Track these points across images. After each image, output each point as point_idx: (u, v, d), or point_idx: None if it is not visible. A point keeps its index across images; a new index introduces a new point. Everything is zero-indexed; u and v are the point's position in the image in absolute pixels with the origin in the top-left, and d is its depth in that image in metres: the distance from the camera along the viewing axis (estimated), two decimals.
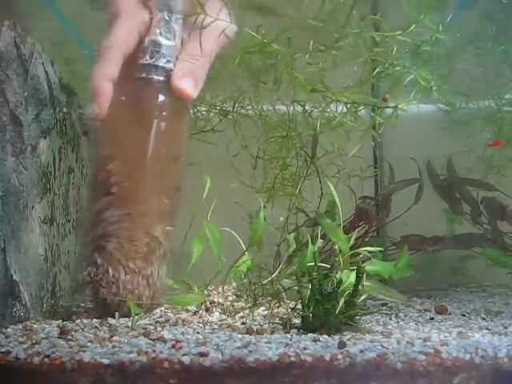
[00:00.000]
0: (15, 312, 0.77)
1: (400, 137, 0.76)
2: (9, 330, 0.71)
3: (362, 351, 0.56)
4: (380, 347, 0.59)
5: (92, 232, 0.82)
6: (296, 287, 0.76)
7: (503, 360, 0.56)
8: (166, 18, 0.84)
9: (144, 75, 0.84)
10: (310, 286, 0.73)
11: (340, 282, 0.72)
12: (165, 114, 0.84)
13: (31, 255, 0.82)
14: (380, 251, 0.98)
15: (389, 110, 0.80)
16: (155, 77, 0.84)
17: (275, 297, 0.86)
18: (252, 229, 0.89)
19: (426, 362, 0.55)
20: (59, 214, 0.94)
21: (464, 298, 1.13)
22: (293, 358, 0.55)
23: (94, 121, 0.83)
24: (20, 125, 0.80)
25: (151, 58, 0.84)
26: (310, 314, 0.72)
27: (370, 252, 0.87)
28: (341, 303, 0.71)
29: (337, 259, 0.78)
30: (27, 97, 0.83)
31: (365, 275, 0.73)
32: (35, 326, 0.74)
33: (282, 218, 1.13)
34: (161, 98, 0.84)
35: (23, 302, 0.79)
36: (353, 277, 0.74)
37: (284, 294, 0.85)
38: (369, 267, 0.85)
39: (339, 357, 0.55)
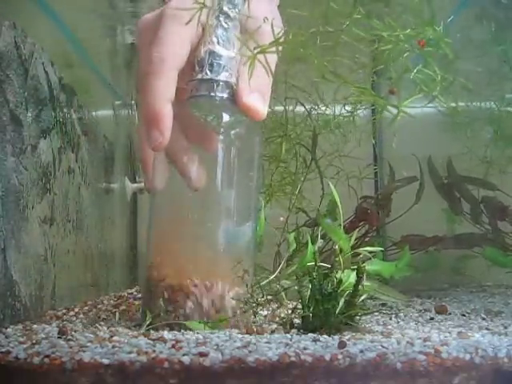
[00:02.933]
0: (15, 312, 0.77)
1: (401, 137, 0.75)
2: (9, 330, 0.71)
3: (362, 351, 0.56)
4: (380, 347, 0.58)
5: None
6: (296, 287, 0.76)
7: (503, 360, 0.56)
8: (224, 24, 0.73)
9: (204, 93, 0.72)
10: (310, 286, 0.73)
11: (340, 281, 0.72)
12: (233, 135, 0.74)
13: (31, 255, 0.82)
14: (380, 251, 0.99)
15: (391, 111, 0.79)
16: (218, 94, 0.72)
17: (276, 297, 0.86)
18: None
19: (426, 362, 0.55)
20: (59, 214, 0.94)
21: (464, 298, 1.13)
22: (293, 358, 0.55)
23: (155, 150, 0.71)
24: (20, 125, 0.80)
25: (211, 71, 0.72)
26: (310, 314, 0.72)
27: (370, 252, 0.87)
28: (341, 303, 0.71)
29: (337, 259, 0.78)
30: (27, 97, 0.83)
31: (365, 275, 0.73)
32: (35, 326, 0.74)
33: (282, 218, 1.13)
34: (226, 117, 0.74)
35: (23, 302, 0.79)
36: (353, 277, 0.74)
37: (284, 294, 0.85)
38: (369, 267, 0.85)
39: (339, 357, 0.55)
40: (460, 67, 0.73)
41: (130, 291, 1.17)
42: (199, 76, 0.72)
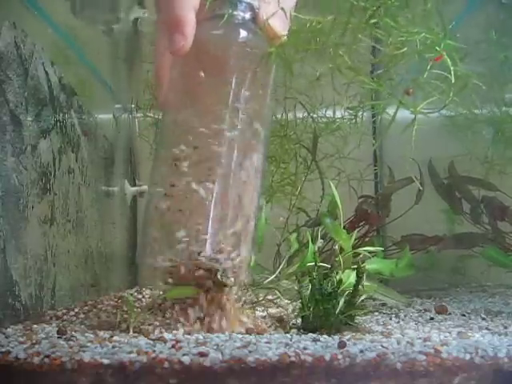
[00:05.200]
0: (15, 312, 0.77)
1: (401, 138, 0.76)
2: (9, 330, 0.71)
3: (362, 351, 0.56)
4: (380, 347, 0.58)
5: None
6: (296, 287, 0.76)
7: (503, 360, 0.56)
8: None
9: (227, 11, 0.75)
10: (310, 286, 0.73)
11: (340, 281, 0.72)
12: (250, 52, 0.74)
13: (31, 255, 0.82)
14: (381, 251, 0.99)
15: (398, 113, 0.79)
16: (240, 13, 0.75)
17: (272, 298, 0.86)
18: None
19: (425, 362, 0.55)
20: (59, 214, 0.94)
21: (464, 298, 1.13)
22: (293, 358, 0.55)
23: (176, 55, 0.72)
24: (20, 125, 0.80)
25: None
26: (310, 314, 0.72)
27: (370, 252, 0.87)
28: (341, 303, 0.71)
29: (337, 259, 0.78)
30: (27, 97, 0.83)
31: (365, 275, 0.73)
32: (35, 325, 0.74)
33: (282, 218, 1.13)
34: (244, 34, 0.75)
35: (23, 302, 0.79)
36: (353, 277, 0.74)
37: (282, 294, 0.85)
38: (369, 266, 0.85)
39: (339, 357, 0.55)
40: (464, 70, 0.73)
41: (129, 291, 1.17)
42: None
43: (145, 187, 1.43)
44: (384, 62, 0.74)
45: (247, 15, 0.76)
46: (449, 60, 0.70)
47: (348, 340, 0.63)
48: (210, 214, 0.71)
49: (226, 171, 0.73)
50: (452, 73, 0.70)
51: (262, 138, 0.77)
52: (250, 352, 0.56)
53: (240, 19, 0.75)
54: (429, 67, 0.71)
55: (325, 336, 0.66)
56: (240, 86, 0.74)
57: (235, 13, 0.75)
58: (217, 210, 0.72)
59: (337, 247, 0.85)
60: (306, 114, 1.15)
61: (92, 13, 1.16)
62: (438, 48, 0.70)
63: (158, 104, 0.81)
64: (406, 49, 0.71)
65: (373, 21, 0.70)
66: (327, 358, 0.55)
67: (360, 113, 1.04)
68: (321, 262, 0.77)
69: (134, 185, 1.44)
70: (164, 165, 0.76)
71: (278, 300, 0.86)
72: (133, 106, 1.44)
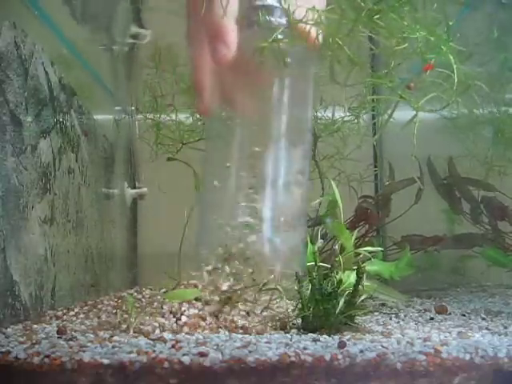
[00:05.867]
0: (15, 312, 0.77)
1: (401, 139, 0.76)
2: (9, 330, 0.71)
3: (362, 351, 0.56)
4: (380, 347, 0.58)
5: None
6: (296, 287, 0.76)
7: (503, 360, 0.56)
8: None
9: (264, 17, 0.77)
10: (310, 286, 0.73)
11: (340, 282, 0.72)
12: (289, 60, 0.76)
13: (31, 255, 0.82)
14: (381, 251, 0.99)
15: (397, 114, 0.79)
16: (278, 19, 0.77)
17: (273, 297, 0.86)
18: None
19: (426, 362, 0.55)
20: (59, 214, 0.94)
21: (464, 297, 1.13)
22: (293, 358, 0.55)
23: (219, 64, 0.75)
24: (20, 125, 0.80)
25: None
26: (310, 314, 0.72)
27: (370, 252, 0.87)
28: (341, 303, 0.71)
29: (337, 259, 0.78)
30: (27, 97, 0.83)
31: (365, 275, 0.73)
32: (35, 325, 0.74)
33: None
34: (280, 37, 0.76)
35: (23, 302, 0.79)
36: (353, 277, 0.74)
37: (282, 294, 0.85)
38: (369, 267, 0.85)
39: (339, 357, 0.55)
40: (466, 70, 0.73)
41: (129, 291, 1.17)
42: (259, 2, 0.77)
43: (144, 189, 1.43)
44: (385, 55, 0.75)
45: (283, 20, 0.77)
46: (452, 59, 0.70)
47: (348, 340, 0.63)
48: (263, 206, 0.78)
49: (274, 172, 0.78)
50: (455, 72, 0.70)
51: (305, 139, 0.81)
52: (249, 352, 0.56)
53: (276, 25, 0.77)
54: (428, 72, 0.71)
55: (325, 336, 0.66)
56: (280, 91, 0.78)
57: (272, 19, 0.77)
58: (268, 202, 0.78)
59: (337, 247, 0.85)
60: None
61: (93, 20, 1.16)
62: (442, 47, 0.70)
63: (199, 111, 0.85)
64: (406, 45, 0.71)
65: (376, 16, 0.70)
66: (327, 358, 0.55)
67: (361, 114, 1.04)
68: (321, 261, 0.76)
69: (134, 187, 1.44)
70: (216, 166, 0.81)
71: (278, 300, 0.86)
72: (133, 108, 1.44)
